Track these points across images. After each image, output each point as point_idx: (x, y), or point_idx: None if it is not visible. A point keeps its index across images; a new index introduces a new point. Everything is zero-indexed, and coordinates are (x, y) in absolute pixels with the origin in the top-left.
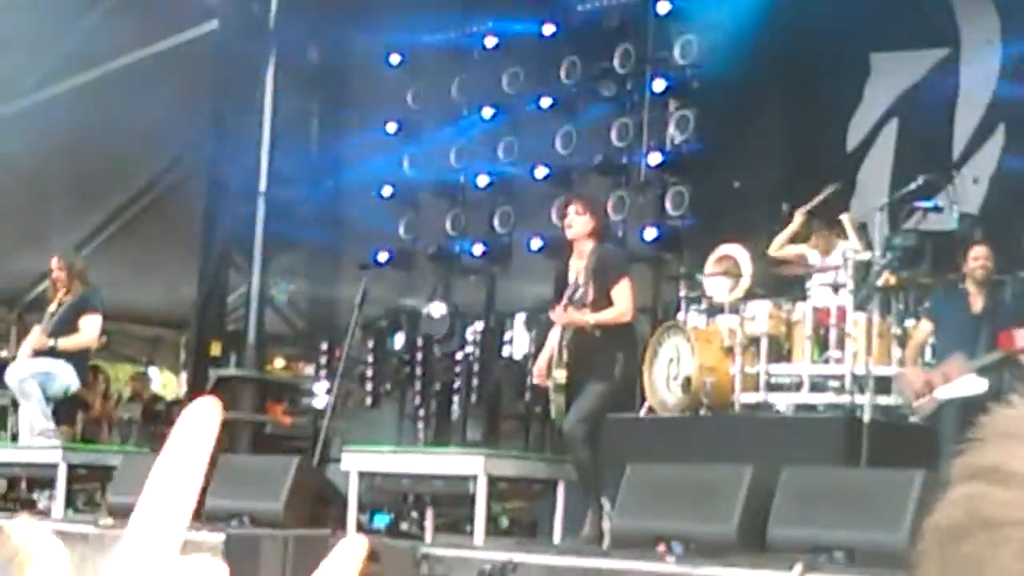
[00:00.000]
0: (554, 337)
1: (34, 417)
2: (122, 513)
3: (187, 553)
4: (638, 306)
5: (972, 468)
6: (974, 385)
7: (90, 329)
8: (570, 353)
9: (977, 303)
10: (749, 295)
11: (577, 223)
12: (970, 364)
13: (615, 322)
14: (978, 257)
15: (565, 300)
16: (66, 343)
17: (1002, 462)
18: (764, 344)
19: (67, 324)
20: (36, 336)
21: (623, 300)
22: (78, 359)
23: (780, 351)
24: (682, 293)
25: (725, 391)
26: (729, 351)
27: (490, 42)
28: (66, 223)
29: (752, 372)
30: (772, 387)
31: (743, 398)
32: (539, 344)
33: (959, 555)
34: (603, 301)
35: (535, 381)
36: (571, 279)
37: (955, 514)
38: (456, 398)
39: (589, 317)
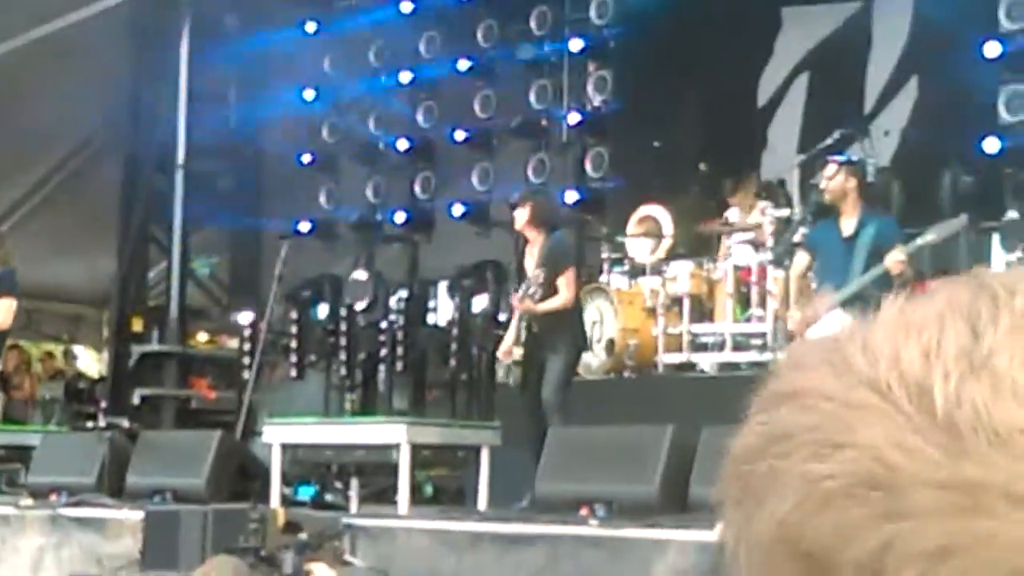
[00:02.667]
0: (515, 320)
1: None
2: (42, 494)
3: (108, 532)
4: None
5: (767, 398)
6: (839, 321)
7: (2, 312)
8: (530, 333)
9: (848, 227)
10: (671, 255)
11: (517, 217)
12: (836, 297)
13: (561, 309)
14: (822, 179)
15: (523, 290)
16: None
17: (795, 386)
18: (686, 304)
19: None
20: None
21: (565, 289)
22: None
23: (703, 311)
24: (604, 255)
25: (649, 352)
26: (652, 312)
27: (406, 7)
28: None
29: (675, 332)
30: (696, 347)
31: (667, 358)
32: (463, 311)
33: (755, 474)
34: (551, 289)
35: (500, 359)
36: (528, 266)
37: (751, 440)
38: (382, 367)
39: (539, 307)
